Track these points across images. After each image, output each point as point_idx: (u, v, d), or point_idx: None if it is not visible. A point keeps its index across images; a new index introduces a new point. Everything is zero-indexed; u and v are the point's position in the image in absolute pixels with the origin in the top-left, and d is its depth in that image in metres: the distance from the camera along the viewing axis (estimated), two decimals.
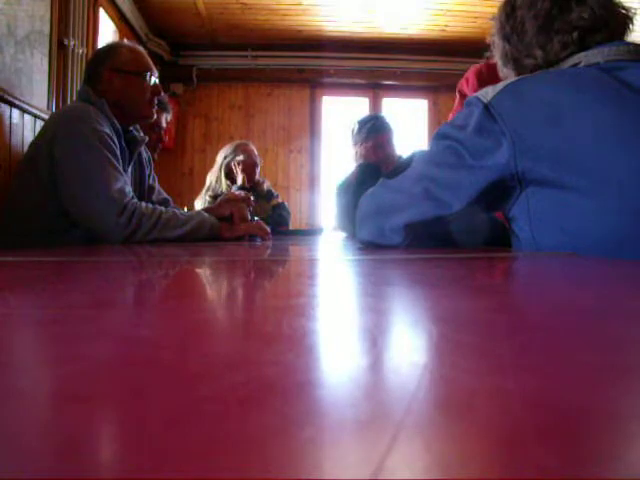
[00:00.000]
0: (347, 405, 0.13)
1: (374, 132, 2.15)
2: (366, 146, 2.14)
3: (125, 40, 3.14)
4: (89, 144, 1.24)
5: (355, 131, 2.20)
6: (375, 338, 0.22)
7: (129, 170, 1.46)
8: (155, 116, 1.47)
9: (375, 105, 4.42)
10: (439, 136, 0.85)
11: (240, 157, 2.44)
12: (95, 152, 1.23)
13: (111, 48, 1.44)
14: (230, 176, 2.47)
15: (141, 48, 1.48)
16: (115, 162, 1.27)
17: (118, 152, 1.31)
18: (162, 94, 1.51)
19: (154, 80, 1.42)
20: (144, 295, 0.39)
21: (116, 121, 1.35)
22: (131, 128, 1.46)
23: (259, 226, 1.45)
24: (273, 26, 3.82)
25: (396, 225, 0.85)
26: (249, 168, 2.45)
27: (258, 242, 1.33)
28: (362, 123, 2.20)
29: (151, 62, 1.45)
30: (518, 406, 0.13)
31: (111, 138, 1.29)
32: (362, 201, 0.94)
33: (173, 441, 0.11)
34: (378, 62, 4.22)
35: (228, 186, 2.45)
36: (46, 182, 1.26)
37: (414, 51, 4.12)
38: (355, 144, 2.20)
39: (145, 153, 1.63)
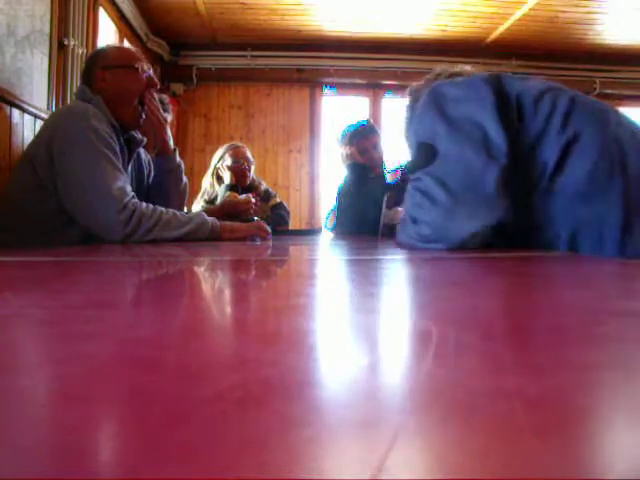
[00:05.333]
0: (347, 405, 0.13)
1: (359, 136, 2.22)
2: (351, 148, 2.21)
3: (125, 40, 3.15)
4: (88, 142, 1.23)
5: (342, 134, 2.29)
6: (375, 338, 0.22)
7: (128, 169, 1.45)
8: (142, 123, 1.46)
9: (375, 105, 4.42)
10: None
11: (227, 162, 2.45)
12: (95, 150, 1.23)
13: (100, 50, 1.49)
14: (221, 180, 2.49)
15: (131, 46, 1.50)
16: (115, 160, 1.26)
17: (118, 150, 1.31)
18: (159, 86, 1.51)
19: (147, 72, 1.43)
20: (144, 295, 0.39)
21: (114, 119, 1.35)
22: None
23: (259, 226, 1.44)
24: (273, 26, 3.82)
25: (464, 230, 0.78)
26: (238, 172, 2.45)
27: (258, 242, 1.33)
28: (349, 127, 2.29)
29: (142, 56, 1.46)
30: (518, 406, 0.13)
31: (110, 136, 1.29)
32: (411, 201, 0.86)
33: (173, 441, 0.11)
34: (378, 62, 4.21)
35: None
36: (45, 180, 1.26)
37: (414, 51, 4.11)
38: (341, 146, 2.28)
39: (145, 155, 1.63)
